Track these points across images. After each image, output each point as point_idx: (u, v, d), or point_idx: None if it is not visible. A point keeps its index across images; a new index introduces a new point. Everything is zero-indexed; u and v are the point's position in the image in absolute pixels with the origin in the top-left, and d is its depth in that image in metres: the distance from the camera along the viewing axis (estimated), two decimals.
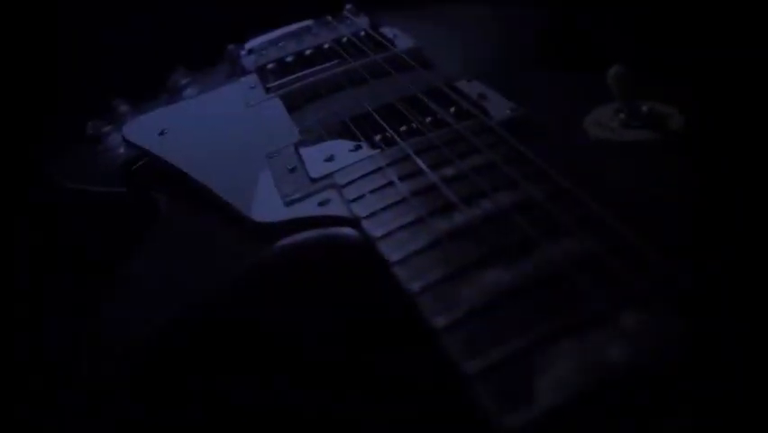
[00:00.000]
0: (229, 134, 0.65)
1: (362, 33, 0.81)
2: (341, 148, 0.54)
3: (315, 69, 0.74)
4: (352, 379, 0.47)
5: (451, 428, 0.41)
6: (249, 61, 0.83)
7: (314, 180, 0.52)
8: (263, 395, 0.47)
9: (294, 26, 0.92)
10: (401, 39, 0.76)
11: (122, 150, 0.72)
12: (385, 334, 0.46)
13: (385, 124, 0.57)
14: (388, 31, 0.80)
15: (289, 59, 0.80)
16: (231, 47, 0.87)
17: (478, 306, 0.34)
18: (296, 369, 0.48)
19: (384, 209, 0.45)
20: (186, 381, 0.47)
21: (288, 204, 0.50)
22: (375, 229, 0.43)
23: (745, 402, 0.27)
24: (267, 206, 0.51)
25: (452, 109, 0.56)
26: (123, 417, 0.45)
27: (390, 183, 0.47)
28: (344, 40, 0.81)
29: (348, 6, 0.91)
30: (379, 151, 0.53)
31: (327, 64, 0.74)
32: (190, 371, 0.47)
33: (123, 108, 0.81)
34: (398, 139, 0.53)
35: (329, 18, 0.91)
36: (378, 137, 0.55)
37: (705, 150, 0.48)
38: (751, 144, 0.47)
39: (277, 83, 0.73)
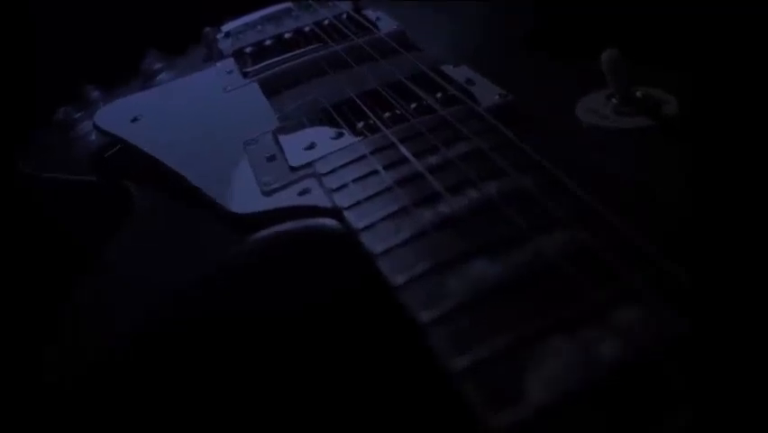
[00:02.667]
0: (205, 121, 0.65)
1: (344, 16, 0.81)
2: (322, 135, 0.54)
3: (294, 52, 0.73)
4: (338, 376, 0.47)
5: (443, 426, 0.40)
6: (226, 45, 0.82)
7: (293, 169, 0.51)
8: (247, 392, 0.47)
9: (273, 8, 0.91)
10: (385, 21, 0.76)
11: (93, 137, 0.71)
12: (370, 328, 0.45)
13: (368, 111, 0.56)
14: (371, 13, 0.79)
15: (268, 42, 0.79)
16: (207, 30, 0.86)
17: (465, 299, 0.34)
18: (277, 364, 0.47)
19: (367, 199, 0.44)
20: (163, 379, 0.47)
21: (267, 194, 0.50)
22: (357, 220, 0.43)
23: (743, 401, 0.27)
24: (244, 196, 0.51)
25: (439, 95, 0.56)
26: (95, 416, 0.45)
27: (374, 172, 0.47)
28: (325, 22, 0.80)
29: None
30: (361, 138, 0.52)
31: (308, 48, 0.74)
32: (166, 368, 0.47)
33: (95, 94, 0.80)
34: (382, 126, 0.53)
35: (309, 0, 0.90)
36: (360, 124, 0.55)
37: (700, 136, 0.48)
38: (747, 132, 0.47)
39: (255, 68, 0.72)
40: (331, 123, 0.56)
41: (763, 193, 0.41)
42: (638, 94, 0.51)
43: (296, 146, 0.53)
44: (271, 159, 0.53)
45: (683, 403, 0.27)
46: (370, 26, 0.75)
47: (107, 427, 0.44)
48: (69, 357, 0.47)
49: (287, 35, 0.80)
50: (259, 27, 0.85)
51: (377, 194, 0.44)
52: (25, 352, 0.54)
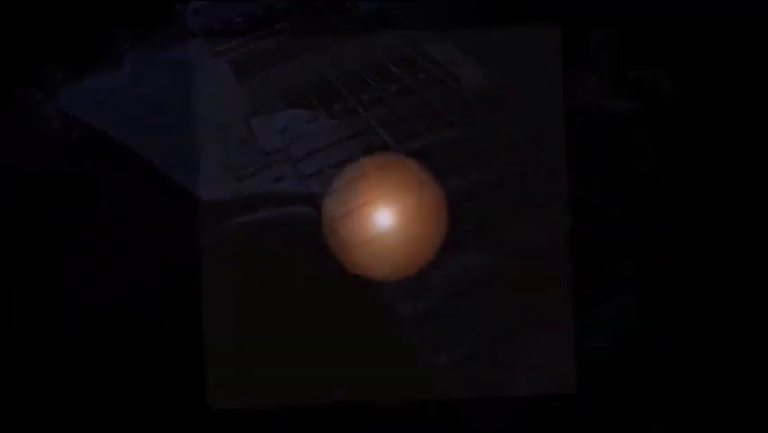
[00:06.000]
0: (173, 104, 0.64)
1: None
2: (296, 118, 0.54)
3: (268, 31, 0.73)
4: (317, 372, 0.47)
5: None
6: (196, 23, 0.81)
7: (266, 154, 0.51)
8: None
9: None
10: None
11: (56, 120, 0.71)
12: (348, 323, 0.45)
13: (345, 92, 0.56)
14: None
15: (239, 20, 0.79)
16: (177, 7, 0.85)
17: (448, 291, 0.34)
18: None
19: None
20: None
21: (239, 180, 0.49)
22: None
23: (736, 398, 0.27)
24: (215, 182, 0.50)
25: (420, 75, 0.56)
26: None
27: (351, 157, 0.46)
28: None
29: None
30: (338, 121, 0.52)
31: (281, 26, 0.73)
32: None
33: (58, 75, 0.80)
34: (360, 108, 0.52)
35: None
36: (337, 106, 0.54)
37: (696, 120, 0.48)
38: (745, 117, 0.47)
39: (226, 46, 0.72)
40: (306, 105, 0.56)
41: (756, 176, 0.41)
42: (631, 76, 0.51)
43: (269, 129, 0.53)
44: (243, 143, 0.53)
45: (672, 401, 0.27)
46: (349, 2, 0.75)
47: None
48: (27, 351, 0.47)
49: (259, 12, 0.79)
50: (230, 4, 0.84)
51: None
52: None
